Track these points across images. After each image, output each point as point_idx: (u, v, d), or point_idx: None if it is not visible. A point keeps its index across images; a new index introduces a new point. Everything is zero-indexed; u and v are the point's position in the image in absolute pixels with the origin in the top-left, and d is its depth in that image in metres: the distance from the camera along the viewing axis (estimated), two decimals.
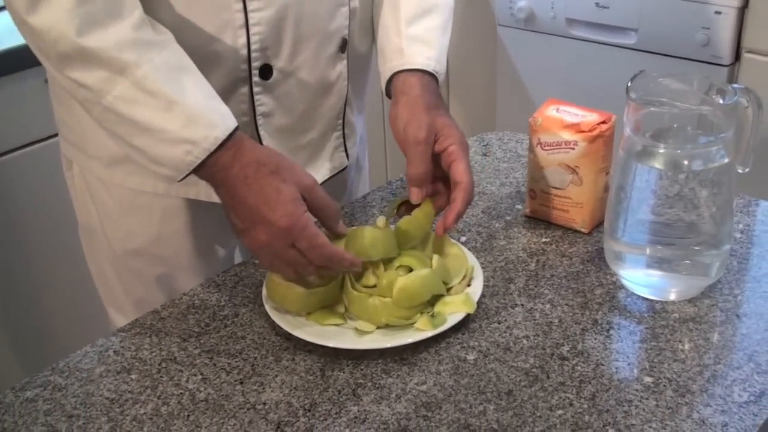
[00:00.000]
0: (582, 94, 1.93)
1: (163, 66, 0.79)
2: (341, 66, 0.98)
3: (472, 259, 0.90)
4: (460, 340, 0.82)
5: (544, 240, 0.98)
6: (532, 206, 1.01)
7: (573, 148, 0.93)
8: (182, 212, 1.00)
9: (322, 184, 1.01)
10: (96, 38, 0.76)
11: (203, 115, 0.79)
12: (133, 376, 0.80)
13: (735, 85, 0.81)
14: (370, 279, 0.85)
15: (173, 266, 1.03)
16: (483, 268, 0.91)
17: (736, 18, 1.74)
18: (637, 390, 0.75)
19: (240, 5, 0.86)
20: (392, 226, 0.88)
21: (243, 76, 0.91)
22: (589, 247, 0.96)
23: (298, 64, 0.93)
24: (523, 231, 1.00)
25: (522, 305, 0.87)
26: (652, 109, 0.82)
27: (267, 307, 0.85)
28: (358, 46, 1.02)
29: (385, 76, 0.95)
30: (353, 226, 0.89)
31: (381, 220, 0.87)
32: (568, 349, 0.80)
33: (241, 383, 0.79)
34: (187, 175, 0.81)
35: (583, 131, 0.92)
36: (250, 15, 0.87)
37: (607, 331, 0.83)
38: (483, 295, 0.87)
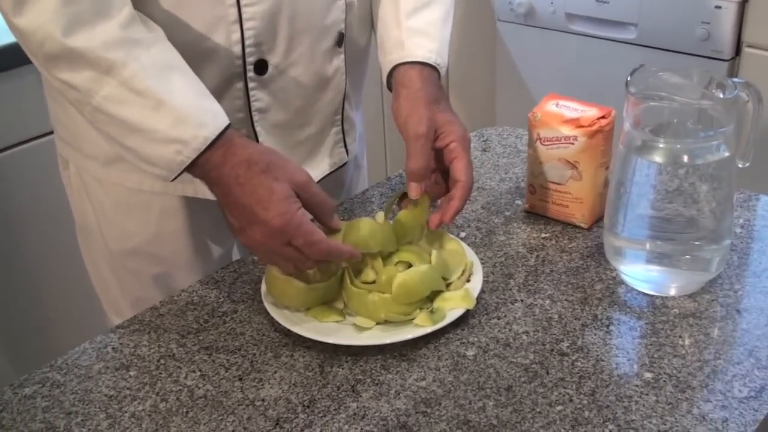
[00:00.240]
0: (582, 89, 1.93)
1: (150, 65, 0.78)
2: (338, 60, 0.97)
3: (471, 255, 0.90)
4: (460, 335, 0.82)
5: (543, 235, 0.97)
6: (532, 201, 1.00)
7: (572, 143, 0.93)
8: (180, 211, 1.00)
9: (320, 180, 1.01)
10: (82, 38, 0.76)
11: (192, 114, 0.78)
12: (131, 373, 0.80)
13: (735, 80, 0.81)
14: (369, 275, 0.85)
15: (170, 266, 1.03)
16: (482, 263, 0.91)
17: (736, 12, 1.73)
18: (637, 386, 0.74)
19: (233, 0, 0.86)
20: (391, 222, 0.88)
21: (238, 72, 0.90)
22: (588, 242, 0.95)
23: (293, 59, 0.93)
24: (522, 226, 0.99)
25: (521, 301, 0.86)
26: (651, 103, 0.81)
27: (266, 304, 0.85)
28: (355, 40, 1.01)
29: (386, 69, 0.94)
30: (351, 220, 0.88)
31: (380, 216, 0.87)
32: (568, 344, 0.80)
33: (240, 380, 0.78)
34: (180, 174, 0.80)
35: (582, 126, 0.92)
36: (243, 10, 0.86)
37: (607, 326, 0.82)
38: (482, 291, 0.87)
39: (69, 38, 0.75)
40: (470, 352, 0.80)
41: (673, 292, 0.86)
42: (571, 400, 0.73)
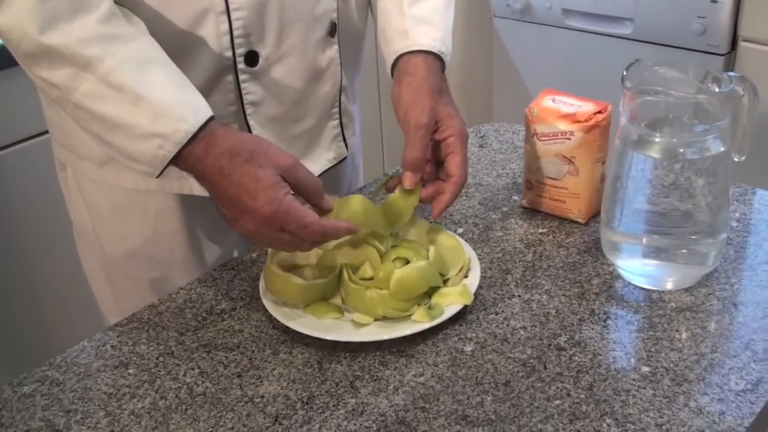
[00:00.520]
0: (578, 84, 1.93)
1: (128, 60, 0.77)
2: (332, 51, 0.96)
3: (468, 251, 0.90)
4: (458, 331, 0.82)
5: (540, 231, 0.97)
6: (529, 197, 1.00)
7: (569, 139, 0.93)
8: (176, 211, 0.99)
9: (319, 176, 1.00)
10: (58, 35, 0.75)
11: (172, 108, 0.77)
12: (130, 371, 0.80)
13: (731, 74, 0.81)
14: (367, 271, 0.85)
15: (167, 269, 1.02)
16: (480, 259, 0.91)
17: (732, 7, 1.74)
18: (634, 379, 0.75)
19: None
20: (380, 204, 0.88)
21: (228, 64, 0.89)
22: (585, 237, 0.96)
23: (284, 50, 0.91)
24: (519, 222, 0.99)
25: (519, 296, 0.87)
26: (647, 98, 0.81)
27: (264, 301, 0.85)
28: (349, 30, 1.00)
29: (390, 59, 0.93)
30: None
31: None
32: (566, 339, 0.80)
33: (239, 377, 0.79)
34: (165, 169, 0.79)
35: (579, 121, 0.92)
36: (230, 0, 0.86)
37: (604, 321, 0.83)
38: (480, 287, 0.87)
39: (45, 35, 0.75)
40: (468, 348, 0.80)
41: (669, 286, 0.86)
42: (568, 395, 0.74)
